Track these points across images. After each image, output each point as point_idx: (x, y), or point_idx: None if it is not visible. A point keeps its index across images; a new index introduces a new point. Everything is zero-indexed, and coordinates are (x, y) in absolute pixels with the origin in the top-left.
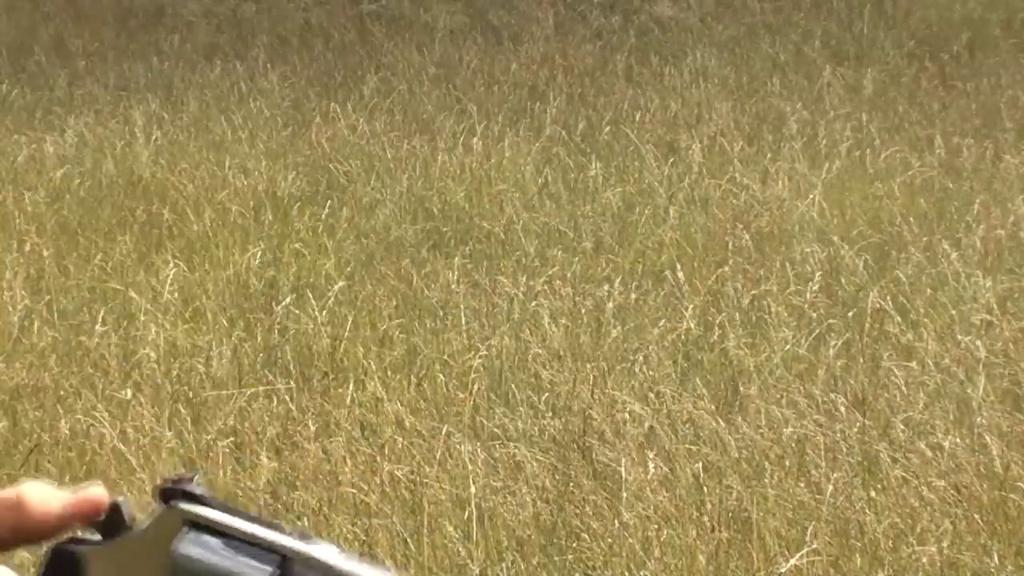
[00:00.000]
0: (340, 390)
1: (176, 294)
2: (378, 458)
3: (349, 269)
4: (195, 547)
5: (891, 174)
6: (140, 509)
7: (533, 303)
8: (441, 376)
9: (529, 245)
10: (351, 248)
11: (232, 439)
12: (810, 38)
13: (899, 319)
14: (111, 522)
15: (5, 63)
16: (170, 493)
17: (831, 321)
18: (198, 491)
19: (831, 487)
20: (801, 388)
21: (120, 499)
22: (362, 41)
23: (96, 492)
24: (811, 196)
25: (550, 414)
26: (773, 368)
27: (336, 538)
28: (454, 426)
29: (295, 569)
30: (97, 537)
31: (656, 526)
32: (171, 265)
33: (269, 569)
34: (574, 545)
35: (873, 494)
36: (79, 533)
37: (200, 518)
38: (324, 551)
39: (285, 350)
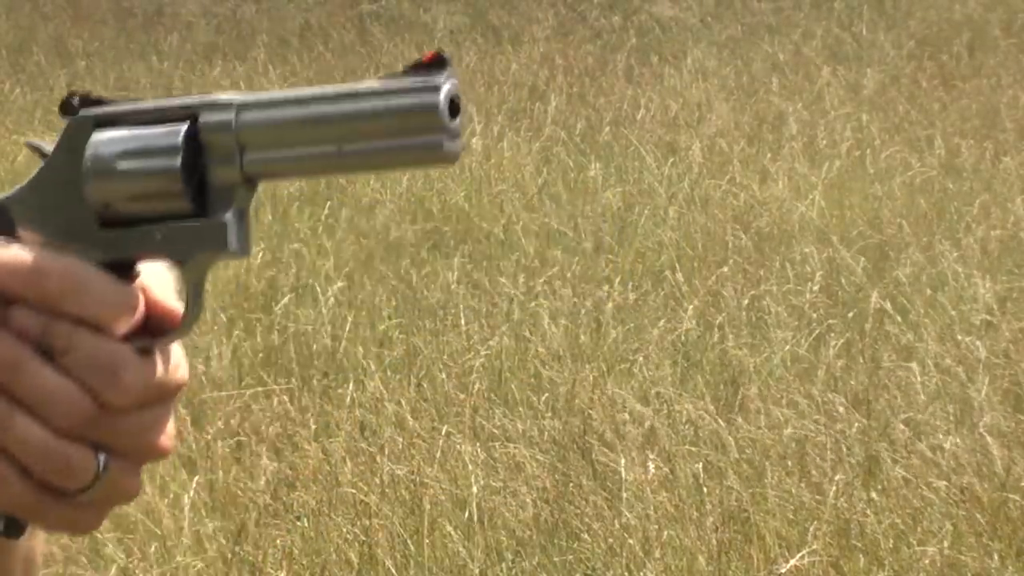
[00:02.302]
0: (340, 390)
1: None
2: (378, 458)
3: (348, 269)
4: (106, 140)
5: (891, 174)
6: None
7: (533, 303)
8: (441, 376)
9: (529, 245)
10: (351, 248)
11: (232, 439)
12: (810, 38)
13: (899, 319)
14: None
15: (5, 63)
16: (72, 105)
17: (831, 321)
18: (99, 96)
19: (832, 488)
20: (801, 388)
21: (31, 138)
22: (362, 41)
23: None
24: (811, 196)
25: (550, 414)
26: (773, 368)
27: (336, 538)
28: (454, 426)
29: (205, 120)
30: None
31: (656, 526)
32: None
33: (183, 127)
34: (574, 545)
35: (874, 495)
36: None
37: (105, 114)
38: (228, 94)
39: (285, 350)
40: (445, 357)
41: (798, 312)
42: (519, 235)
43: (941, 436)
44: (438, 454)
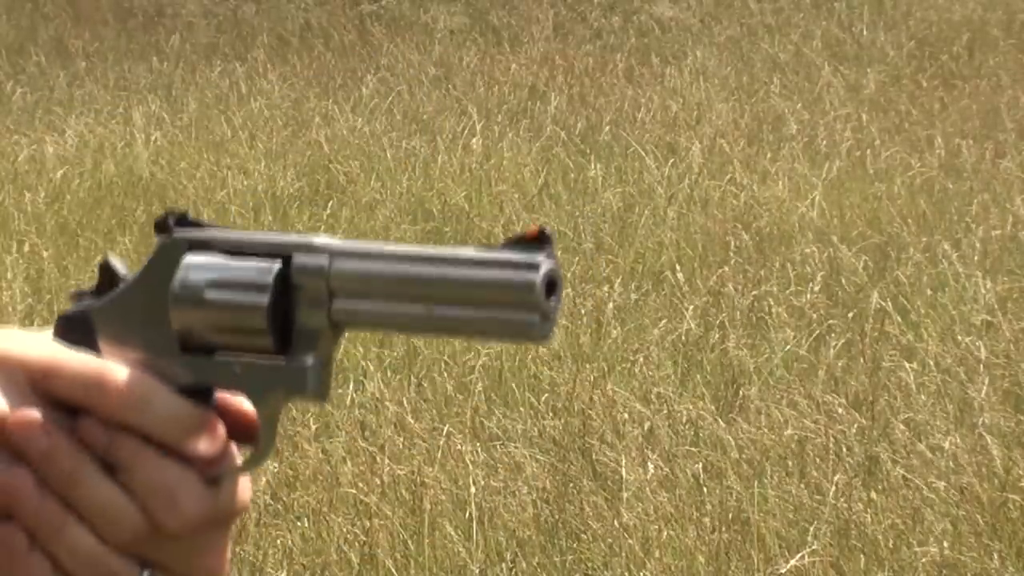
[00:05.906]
0: (340, 390)
1: None
2: (378, 458)
3: None
4: (197, 266)
5: (891, 174)
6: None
7: None
8: (441, 377)
9: None
10: None
11: None
12: (810, 38)
13: (899, 319)
14: (105, 279)
15: (5, 63)
16: (167, 224)
17: (831, 322)
18: (194, 218)
19: (832, 488)
20: (801, 389)
21: (109, 255)
22: (362, 42)
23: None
24: (811, 197)
25: (550, 414)
26: (773, 369)
27: (336, 538)
28: (454, 426)
29: (299, 262)
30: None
31: (656, 527)
32: None
33: (275, 266)
34: (574, 545)
35: (874, 495)
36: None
37: (200, 239)
38: (323, 238)
39: None
40: (445, 357)
41: (798, 312)
42: None
43: (941, 436)
44: (438, 454)
